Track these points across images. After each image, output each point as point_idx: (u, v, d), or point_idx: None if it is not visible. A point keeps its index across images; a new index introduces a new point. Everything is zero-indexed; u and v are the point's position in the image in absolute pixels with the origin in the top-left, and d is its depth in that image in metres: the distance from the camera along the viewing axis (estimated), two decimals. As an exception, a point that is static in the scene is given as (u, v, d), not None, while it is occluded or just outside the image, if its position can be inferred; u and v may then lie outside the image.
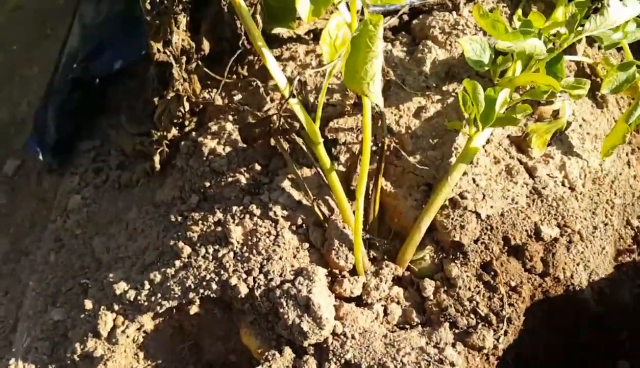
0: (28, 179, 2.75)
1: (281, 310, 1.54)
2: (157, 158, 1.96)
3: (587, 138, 1.91)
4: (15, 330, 2.14)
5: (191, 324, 1.78)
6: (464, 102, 1.57)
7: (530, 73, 1.68)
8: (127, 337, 1.74)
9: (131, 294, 1.74)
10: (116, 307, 1.76)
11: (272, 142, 1.71)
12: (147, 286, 1.73)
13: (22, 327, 2.07)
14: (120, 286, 1.77)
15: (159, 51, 1.75)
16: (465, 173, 1.66)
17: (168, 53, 1.78)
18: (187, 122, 1.97)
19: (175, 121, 1.95)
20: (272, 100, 1.83)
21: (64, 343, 1.92)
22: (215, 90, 1.98)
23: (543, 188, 1.74)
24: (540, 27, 1.70)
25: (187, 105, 1.91)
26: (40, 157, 2.38)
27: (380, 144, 1.63)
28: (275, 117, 1.59)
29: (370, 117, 1.42)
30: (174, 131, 1.97)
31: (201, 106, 1.98)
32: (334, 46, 1.47)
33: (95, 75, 2.31)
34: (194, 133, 1.96)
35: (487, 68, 1.69)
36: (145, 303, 1.72)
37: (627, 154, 2.01)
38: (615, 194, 1.88)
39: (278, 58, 1.93)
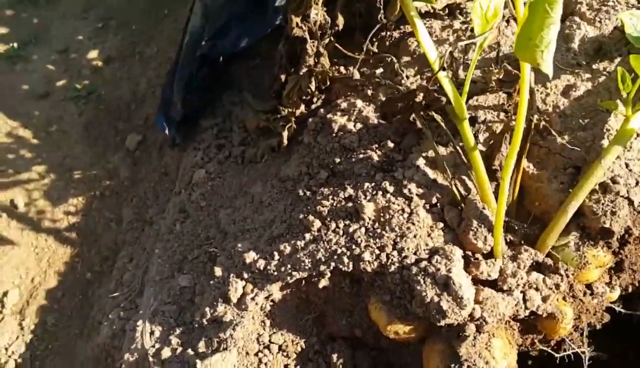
0: (149, 153, 2.89)
1: (418, 288, 1.52)
2: (285, 134, 1.99)
3: None
4: (141, 294, 2.25)
5: (318, 296, 1.80)
6: (622, 80, 1.47)
7: (694, 51, 1.55)
8: (257, 304, 1.78)
9: (261, 263, 1.78)
10: (246, 275, 1.81)
11: (410, 118, 1.69)
12: (276, 256, 1.76)
13: (148, 292, 2.17)
14: (250, 256, 1.81)
15: (297, 25, 1.77)
16: (618, 157, 1.56)
17: (304, 28, 1.79)
18: (314, 99, 1.99)
19: (303, 97, 1.97)
20: (407, 77, 1.80)
21: (191, 308, 1.99)
22: (343, 67, 1.98)
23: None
24: None
25: (316, 82, 1.92)
26: (167, 131, 2.49)
27: (526, 123, 1.56)
28: (418, 91, 1.56)
29: (527, 93, 1.35)
30: (302, 108, 1.99)
31: (328, 83, 1.98)
32: (485, 18, 1.42)
33: (222, 53, 2.38)
34: (321, 110, 1.96)
35: (646, 45, 1.57)
36: (275, 273, 1.75)
37: None
38: None
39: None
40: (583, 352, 1.63)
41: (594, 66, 1.72)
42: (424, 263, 1.55)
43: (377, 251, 1.63)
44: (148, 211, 2.63)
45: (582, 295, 1.61)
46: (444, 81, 1.44)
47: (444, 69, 1.42)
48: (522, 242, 1.63)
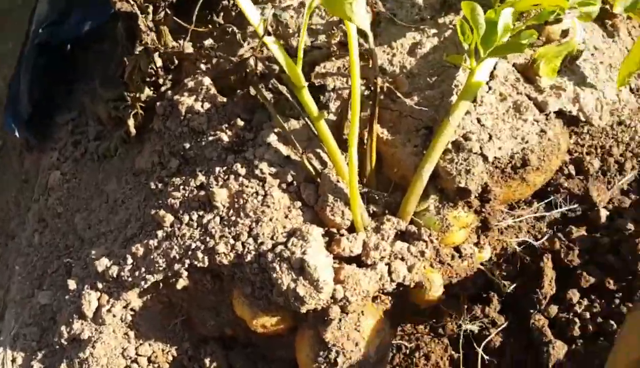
0: (10, 159, 2.60)
1: (274, 275, 1.40)
2: (131, 122, 1.80)
3: (601, 67, 1.72)
4: (4, 317, 2.03)
5: (180, 298, 1.65)
6: (462, 31, 1.38)
7: (534, -5, 1.49)
8: (114, 316, 1.62)
9: (114, 270, 1.61)
10: (100, 285, 1.63)
11: (253, 92, 1.54)
12: (129, 260, 1.60)
13: (9, 314, 1.96)
14: (102, 263, 1.64)
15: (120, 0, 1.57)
16: (468, 112, 1.49)
17: (131, 2, 1.59)
18: (161, 81, 1.81)
19: (148, 79, 1.78)
20: (250, 46, 1.65)
21: (53, 328, 1.80)
22: (192, 44, 1.80)
23: (554, 125, 1.57)
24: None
25: (158, 60, 1.74)
26: (17, 133, 2.23)
27: (372, 87, 1.46)
28: (251, 60, 1.41)
29: (357, 52, 1.24)
30: (148, 91, 1.81)
31: (176, 62, 1.80)
32: (313, -24, 1.29)
33: (63, 39, 2.14)
34: (169, 92, 1.78)
35: (487, -7, 1.50)
36: (130, 279, 1.59)
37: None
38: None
39: (255, 2, 1.74)
40: (459, 325, 1.58)
41: (440, 20, 1.64)
42: (279, 248, 1.44)
43: (232, 241, 1.50)
44: (10, 224, 2.37)
45: (450, 259, 1.55)
46: (272, 47, 1.30)
47: (269, 34, 1.28)
48: (386, 212, 1.54)
